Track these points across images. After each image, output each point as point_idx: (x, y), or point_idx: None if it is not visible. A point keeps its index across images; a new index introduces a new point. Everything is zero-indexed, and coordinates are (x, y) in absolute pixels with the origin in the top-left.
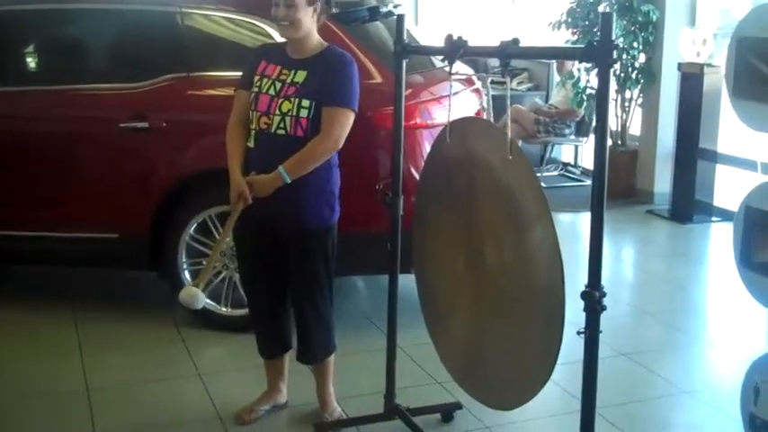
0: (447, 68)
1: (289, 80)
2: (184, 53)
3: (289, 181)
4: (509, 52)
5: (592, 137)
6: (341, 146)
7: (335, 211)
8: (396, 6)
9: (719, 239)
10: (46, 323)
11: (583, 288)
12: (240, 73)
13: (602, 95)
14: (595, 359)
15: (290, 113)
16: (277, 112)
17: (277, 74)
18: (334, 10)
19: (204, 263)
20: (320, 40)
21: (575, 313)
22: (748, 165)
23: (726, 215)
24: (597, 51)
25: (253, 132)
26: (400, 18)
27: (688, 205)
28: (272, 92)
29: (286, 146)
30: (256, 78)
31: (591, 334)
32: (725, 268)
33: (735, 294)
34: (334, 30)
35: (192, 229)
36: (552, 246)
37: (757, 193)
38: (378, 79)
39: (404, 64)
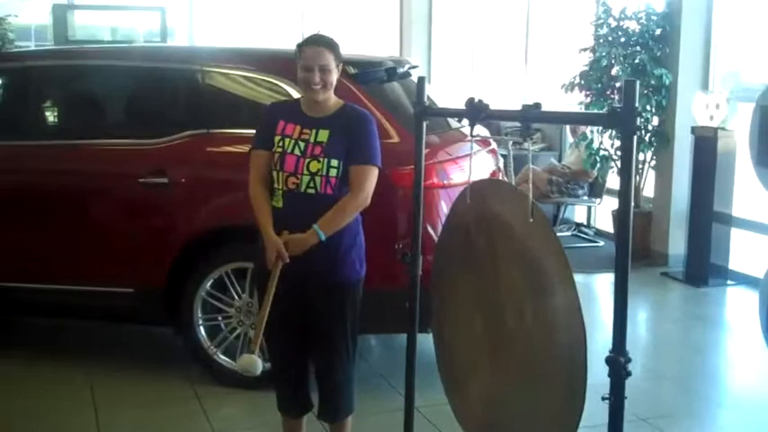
0: (463, 129)
1: (312, 140)
2: (204, 110)
3: (324, 239)
4: (531, 116)
5: (605, 198)
6: (369, 202)
7: (364, 265)
8: (412, 67)
9: (735, 303)
10: (60, 379)
11: (599, 350)
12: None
13: (626, 161)
14: (620, 426)
15: (319, 173)
16: (305, 171)
17: (298, 134)
18: (352, 70)
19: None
20: (336, 97)
21: (592, 376)
22: (765, 229)
23: (741, 279)
24: (620, 118)
25: (279, 192)
26: (421, 80)
27: (703, 268)
28: (297, 152)
29: (316, 204)
30: (278, 138)
31: (616, 400)
32: (742, 333)
33: (754, 359)
34: (352, 90)
35: (209, 284)
36: (574, 312)
37: None
38: (395, 139)
39: (424, 125)
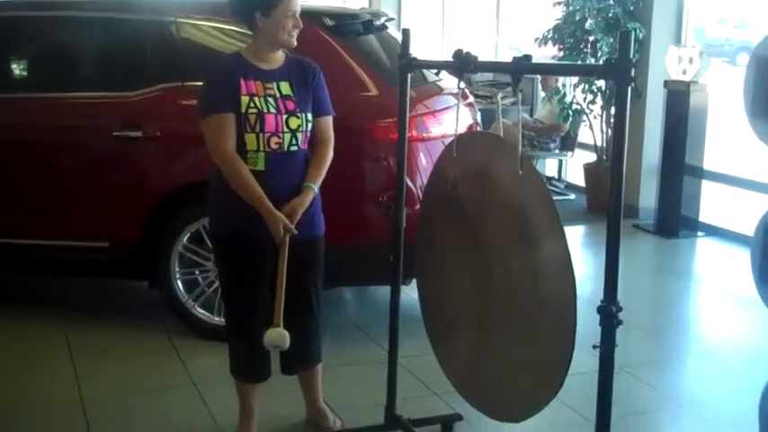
0: (441, 83)
1: (278, 94)
2: (178, 63)
3: (317, 193)
4: (522, 68)
5: (576, 151)
6: None
7: None
8: (389, 20)
9: (705, 255)
10: (36, 333)
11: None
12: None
13: (620, 113)
14: (611, 373)
15: (300, 129)
16: (285, 129)
17: (262, 90)
18: (329, 22)
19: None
20: None
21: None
22: (735, 182)
23: (711, 230)
24: (616, 69)
25: (261, 155)
26: (406, 31)
27: (674, 220)
28: (272, 110)
29: (299, 161)
30: (246, 99)
31: (607, 348)
32: (712, 283)
33: (722, 308)
34: (329, 42)
35: (186, 238)
36: (564, 260)
37: None
38: (373, 92)
39: (409, 77)
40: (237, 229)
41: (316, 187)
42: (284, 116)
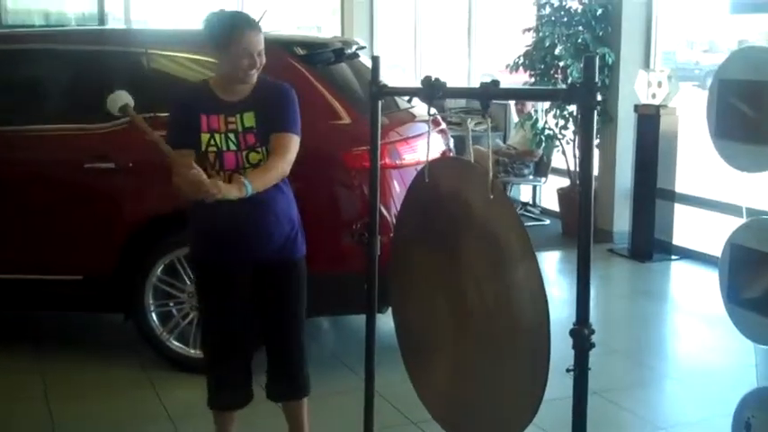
0: (414, 109)
1: (240, 128)
2: (150, 94)
3: (250, 192)
4: (490, 94)
5: (550, 176)
6: (289, 171)
7: (305, 242)
8: (360, 48)
9: (680, 277)
10: (10, 369)
11: (554, 325)
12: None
13: (586, 136)
14: (585, 397)
15: (261, 163)
16: (247, 164)
17: (224, 125)
18: (300, 51)
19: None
20: None
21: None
22: (706, 204)
23: (685, 253)
24: (581, 93)
25: None
26: (376, 59)
27: (647, 244)
28: (233, 147)
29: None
30: (206, 136)
31: (580, 372)
32: (686, 306)
33: (697, 331)
34: (300, 71)
35: (160, 270)
36: (537, 286)
37: (741, 232)
38: (346, 120)
39: (380, 105)
40: (203, 254)
41: (248, 183)
42: (245, 152)
